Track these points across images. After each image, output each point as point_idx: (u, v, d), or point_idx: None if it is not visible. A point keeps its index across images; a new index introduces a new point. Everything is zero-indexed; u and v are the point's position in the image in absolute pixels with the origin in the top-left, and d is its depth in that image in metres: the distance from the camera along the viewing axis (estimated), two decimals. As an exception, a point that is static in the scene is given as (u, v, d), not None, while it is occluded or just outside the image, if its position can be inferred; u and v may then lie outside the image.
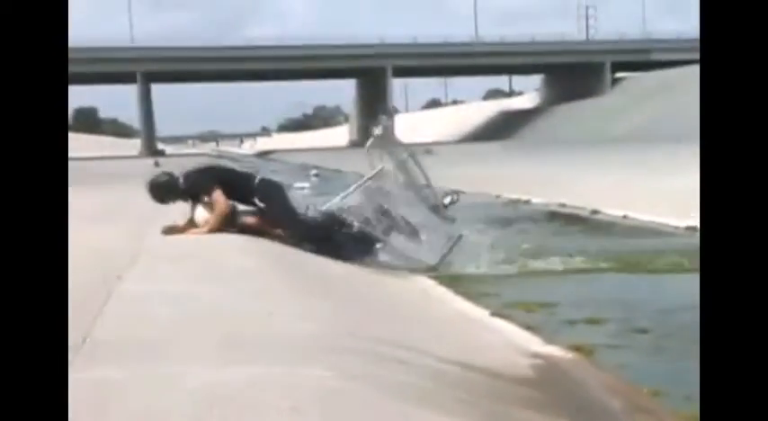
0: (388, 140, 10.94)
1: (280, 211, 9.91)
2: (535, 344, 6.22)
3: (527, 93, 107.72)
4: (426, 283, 8.94)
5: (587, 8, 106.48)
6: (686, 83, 63.99)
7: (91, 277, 6.38)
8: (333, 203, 10.74)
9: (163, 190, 9.85)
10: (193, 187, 9.74)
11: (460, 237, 10.49)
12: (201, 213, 9.46)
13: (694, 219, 13.33)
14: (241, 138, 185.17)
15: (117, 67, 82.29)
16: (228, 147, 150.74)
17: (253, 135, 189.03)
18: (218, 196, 9.43)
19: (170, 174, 10.02)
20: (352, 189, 10.85)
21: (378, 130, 10.71)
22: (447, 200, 10.97)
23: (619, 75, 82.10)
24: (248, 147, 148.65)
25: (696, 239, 12.64)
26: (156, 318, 5.29)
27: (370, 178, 10.70)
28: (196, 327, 5.06)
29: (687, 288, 6.79)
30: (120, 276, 6.59)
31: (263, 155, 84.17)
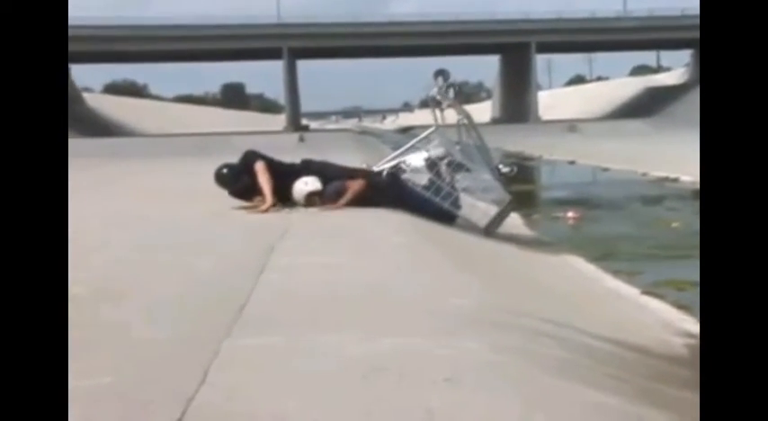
0: (448, 102, 10.86)
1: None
2: (688, 323, 6.13)
3: (675, 68, 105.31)
4: (574, 260, 8.88)
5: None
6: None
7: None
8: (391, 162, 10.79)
9: (224, 179, 10.65)
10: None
11: (510, 202, 10.33)
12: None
13: None
14: (383, 114, 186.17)
15: (264, 43, 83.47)
16: (370, 123, 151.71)
17: (395, 111, 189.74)
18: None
19: (229, 166, 10.74)
20: (406, 147, 10.95)
21: (435, 91, 10.67)
22: (506, 169, 10.82)
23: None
24: (390, 123, 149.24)
25: None
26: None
27: (424, 137, 10.75)
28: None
29: None
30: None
31: (405, 130, 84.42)
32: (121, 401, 3.22)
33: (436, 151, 10.44)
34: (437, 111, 10.71)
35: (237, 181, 10.49)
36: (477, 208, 10.17)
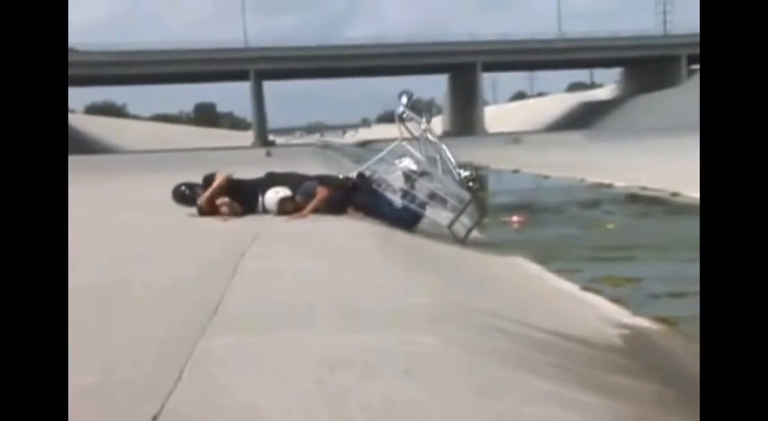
0: (411, 116, 10.88)
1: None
2: (623, 316, 6.17)
3: (607, 85, 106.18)
4: (519, 261, 8.91)
5: (665, 4, 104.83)
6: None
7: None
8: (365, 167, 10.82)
9: (180, 196, 10.72)
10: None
11: (470, 201, 10.38)
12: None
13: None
14: (343, 129, 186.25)
15: (232, 66, 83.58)
16: (332, 138, 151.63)
17: (354, 126, 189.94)
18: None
19: (187, 184, 10.83)
20: (377, 158, 10.94)
21: (401, 108, 10.68)
22: (467, 173, 10.87)
23: (694, 66, 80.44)
24: (350, 137, 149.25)
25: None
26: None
27: (390, 150, 10.76)
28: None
29: None
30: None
31: (363, 144, 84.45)
32: (105, 399, 3.21)
33: (408, 164, 10.43)
34: (402, 126, 10.70)
35: (194, 200, 10.52)
36: (444, 216, 10.23)
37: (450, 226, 9.93)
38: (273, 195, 10.11)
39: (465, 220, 10.40)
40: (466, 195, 10.12)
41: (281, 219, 9.58)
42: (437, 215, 10.21)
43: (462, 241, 9.76)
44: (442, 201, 10.21)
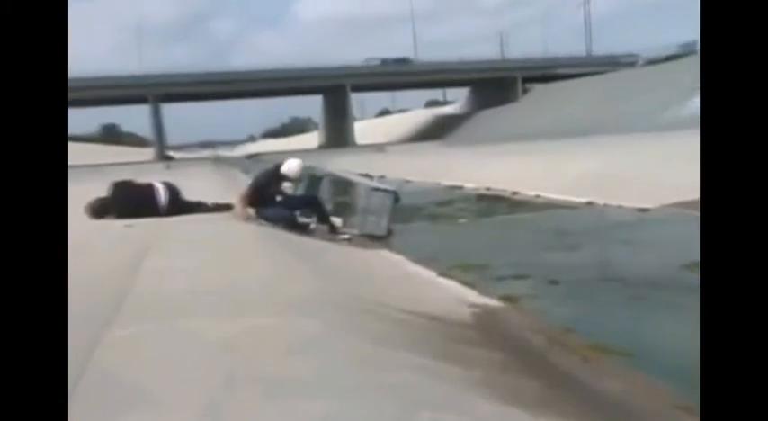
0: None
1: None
2: (471, 296, 6.27)
3: (458, 101, 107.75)
4: (384, 253, 8.96)
5: (502, 34, 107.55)
6: (579, 91, 64.63)
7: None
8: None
9: (97, 210, 10.69)
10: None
11: (397, 199, 10.76)
12: None
13: (590, 197, 13.51)
14: (233, 144, 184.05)
15: (132, 91, 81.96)
16: (223, 152, 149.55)
17: (242, 141, 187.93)
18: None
19: (101, 199, 10.87)
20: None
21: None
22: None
23: (528, 86, 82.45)
24: (239, 151, 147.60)
25: (591, 209, 12.80)
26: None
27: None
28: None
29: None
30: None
31: (252, 157, 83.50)
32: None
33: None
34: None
35: (107, 212, 10.54)
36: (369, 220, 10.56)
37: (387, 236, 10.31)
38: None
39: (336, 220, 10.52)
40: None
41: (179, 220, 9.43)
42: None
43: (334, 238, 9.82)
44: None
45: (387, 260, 8.45)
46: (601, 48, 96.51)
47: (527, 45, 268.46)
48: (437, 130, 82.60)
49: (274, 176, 10.42)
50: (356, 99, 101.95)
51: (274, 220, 9.81)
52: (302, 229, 9.91)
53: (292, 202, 10.19)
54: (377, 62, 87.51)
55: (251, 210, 10.08)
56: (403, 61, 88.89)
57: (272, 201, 10.10)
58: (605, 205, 12.92)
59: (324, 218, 10.35)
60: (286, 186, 10.24)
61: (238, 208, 10.22)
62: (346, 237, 9.85)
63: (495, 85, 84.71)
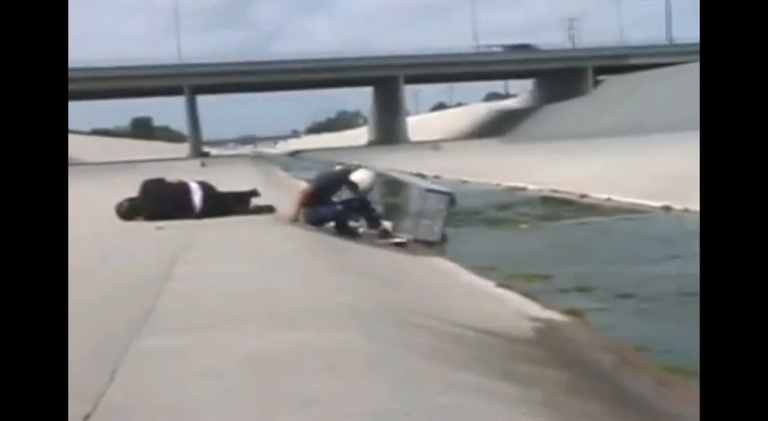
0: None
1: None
2: (535, 309, 6.22)
3: (521, 95, 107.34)
4: (438, 260, 8.94)
5: (571, 20, 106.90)
6: (658, 83, 63.75)
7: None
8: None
9: (127, 211, 11.04)
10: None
11: (453, 202, 10.71)
12: None
13: (668, 200, 13.32)
14: (275, 139, 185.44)
15: (167, 81, 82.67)
16: (264, 148, 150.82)
17: (285, 137, 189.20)
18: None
19: (130, 200, 11.18)
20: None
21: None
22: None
23: (600, 77, 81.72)
24: (281, 147, 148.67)
25: (668, 215, 12.64)
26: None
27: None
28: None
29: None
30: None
31: (294, 154, 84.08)
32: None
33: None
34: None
35: (136, 213, 10.67)
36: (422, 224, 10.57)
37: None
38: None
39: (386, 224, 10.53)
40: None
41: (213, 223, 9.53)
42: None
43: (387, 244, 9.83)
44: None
45: (440, 268, 8.43)
46: (683, 34, 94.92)
47: (599, 32, 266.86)
48: (497, 126, 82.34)
49: (339, 182, 10.39)
50: (410, 91, 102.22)
51: (323, 224, 9.86)
52: (351, 234, 9.94)
53: (342, 206, 10.20)
54: (499, 49, 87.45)
55: (300, 213, 10.10)
56: (525, 47, 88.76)
57: (324, 204, 10.12)
58: (685, 210, 12.70)
59: (374, 222, 10.35)
60: (344, 191, 10.24)
61: (292, 209, 10.20)
62: (397, 242, 9.85)
63: (563, 77, 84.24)
